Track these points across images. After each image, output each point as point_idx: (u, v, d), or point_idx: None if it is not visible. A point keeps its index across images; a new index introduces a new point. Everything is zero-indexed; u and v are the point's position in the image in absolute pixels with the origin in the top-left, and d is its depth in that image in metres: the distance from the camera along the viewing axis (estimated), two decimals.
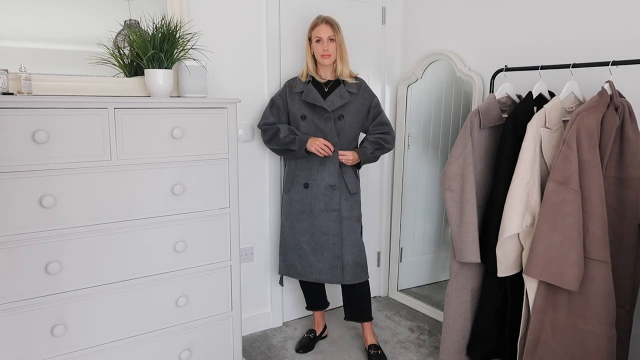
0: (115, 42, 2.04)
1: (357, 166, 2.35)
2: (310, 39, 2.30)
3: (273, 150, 2.41)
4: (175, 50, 1.95)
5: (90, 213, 1.72)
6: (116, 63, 2.05)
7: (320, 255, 2.32)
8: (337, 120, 2.30)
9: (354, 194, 2.36)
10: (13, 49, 1.84)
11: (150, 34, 1.92)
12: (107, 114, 1.70)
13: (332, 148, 2.23)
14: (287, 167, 2.42)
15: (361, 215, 2.42)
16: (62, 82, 1.92)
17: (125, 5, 2.04)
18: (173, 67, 2.00)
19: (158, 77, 1.89)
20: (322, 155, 2.23)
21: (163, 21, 1.95)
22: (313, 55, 2.32)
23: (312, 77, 2.34)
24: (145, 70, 1.91)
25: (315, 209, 2.31)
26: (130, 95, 2.06)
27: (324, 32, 2.24)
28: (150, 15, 2.08)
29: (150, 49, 1.88)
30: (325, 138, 2.28)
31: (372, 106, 2.39)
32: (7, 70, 1.66)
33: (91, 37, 1.99)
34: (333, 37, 2.25)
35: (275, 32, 2.51)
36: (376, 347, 2.43)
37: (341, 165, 2.32)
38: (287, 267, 2.43)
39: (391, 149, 2.40)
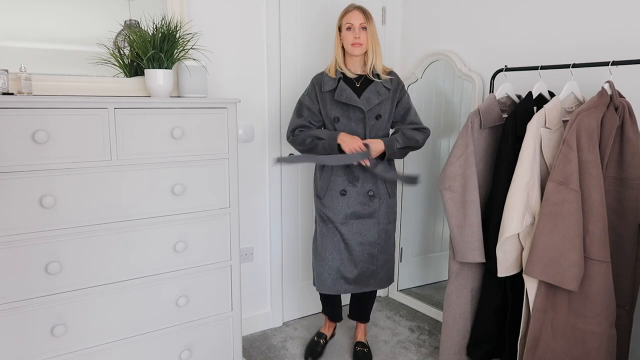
0: (115, 42, 2.04)
1: (381, 157, 2.12)
2: (340, 28, 2.11)
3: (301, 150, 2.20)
4: (175, 50, 1.95)
5: (90, 213, 1.72)
6: (116, 63, 2.05)
7: (352, 264, 2.17)
8: (374, 121, 2.10)
9: (393, 197, 2.23)
10: (13, 49, 1.84)
11: (150, 34, 1.92)
12: (107, 114, 1.70)
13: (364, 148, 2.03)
14: (323, 172, 2.21)
15: (396, 217, 2.24)
16: (62, 82, 1.92)
17: (125, 5, 2.04)
18: (173, 67, 2.00)
19: (158, 77, 1.89)
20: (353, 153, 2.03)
21: (163, 21, 1.95)
22: (342, 47, 2.14)
23: (342, 73, 2.14)
24: (145, 70, 1.91)
25: (352, 217, 2.15)
26: (131, 95, 2.06)
27: (356, 18, 2.06)
28: (150, 15, 2.08)
29: (150, 49, 1.88)
30: None
31: (404, 101, 2.18)
32: (7, 70, 1.66)
33: (91, 37, 1.99)
34: (365, 26, 2.07)
35: (275, 31, 2.50)
36: (363, 344, 2.45)
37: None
38: (320, 280, 2.23)
39: (420, 147, 2.19)
